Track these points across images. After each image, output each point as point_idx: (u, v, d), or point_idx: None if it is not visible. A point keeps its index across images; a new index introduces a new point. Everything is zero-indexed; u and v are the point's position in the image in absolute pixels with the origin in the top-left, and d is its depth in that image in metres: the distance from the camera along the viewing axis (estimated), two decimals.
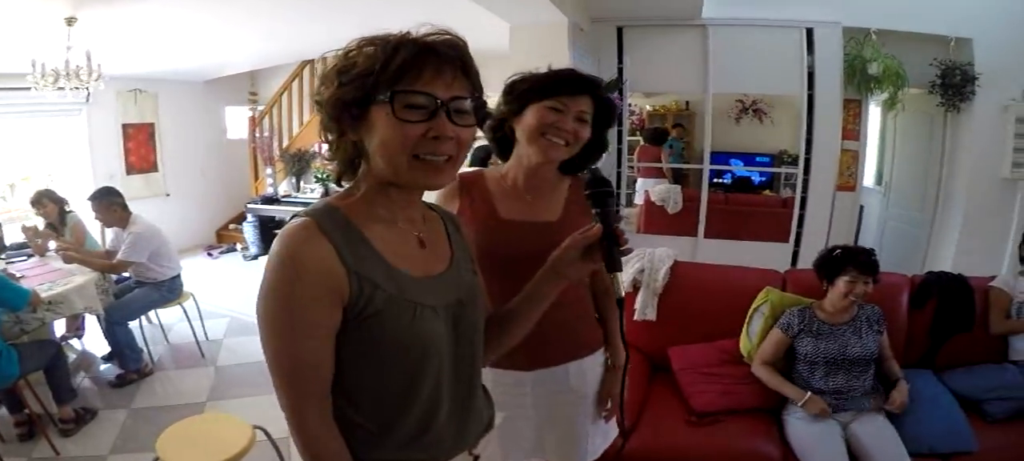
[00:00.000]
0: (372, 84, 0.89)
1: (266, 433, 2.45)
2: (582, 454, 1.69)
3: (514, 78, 1.51)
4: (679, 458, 2.39)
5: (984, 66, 4.47)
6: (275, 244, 0.92)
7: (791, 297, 2.69)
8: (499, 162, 1.65)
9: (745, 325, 2.73)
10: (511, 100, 1.49)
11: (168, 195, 6.72)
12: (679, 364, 2.72)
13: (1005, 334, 2.76)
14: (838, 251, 2.53)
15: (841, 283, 2.43)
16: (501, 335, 1.20)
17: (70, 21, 3.95)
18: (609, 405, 1.69)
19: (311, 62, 7.10)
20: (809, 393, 2.37)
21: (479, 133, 1.10)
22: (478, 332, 1.11)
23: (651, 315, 2.89)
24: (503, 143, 1.56)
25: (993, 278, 2.89)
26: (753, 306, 2.73)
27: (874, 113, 5.79)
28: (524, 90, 1.46)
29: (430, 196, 1.18)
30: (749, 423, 2.48)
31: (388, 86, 0.88)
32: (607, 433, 1.77)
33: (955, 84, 4.55)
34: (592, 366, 1.65)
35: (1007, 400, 2.51)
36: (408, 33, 0.91)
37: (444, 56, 0.91)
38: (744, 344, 2.70)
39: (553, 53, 3.64)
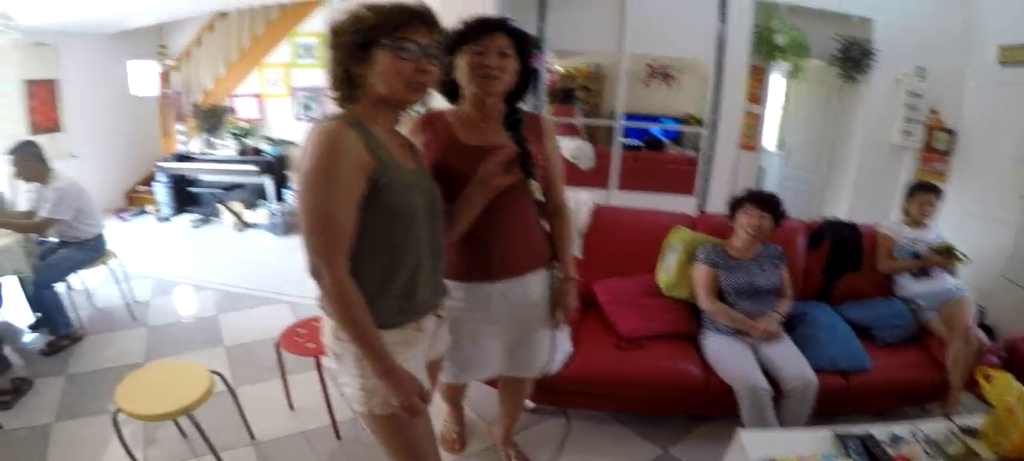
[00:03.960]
0: (377, 32, 1.30)
1: (223, 379, 2.50)
2: (542, 363, 1.94)
3: None
4: (612, 378, 2.65)
5: (882, 43, 4.88)
6: (314, 137, 1.30)
7: (701, 236, 3.03)
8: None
9: (660, 260, 3.05)
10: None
11: (73, 156, 6.24)
12: (604, 297, 2.98)
13: (890, 272, 3.20)
14: (743, 191, 2.90)
15: (742, 216, 2.80)
16: (445, 229, 1.60)
17: None
18: (561, 315, 1.92)
19: (225, 14, 6.80)
20: (759, 321, 2.69)
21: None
22: (441, 216, 1.54)
23: (577, 252, 3.10)
24: (451, 92, 1.80)
25: (879, 224, 3.33)
26: (666, 243, 3.06)
27: (777, 80, 6.17)
28: (449, 44, 1.67)
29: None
30: (671, 346, 2.79)
31: (388, 34, 1.30)
32: (563, 347, 2.07)
33: (854, 58, 4.93)
34: (547, 278, 1.89)
35: (894, 327, 2.96)
36: (400, 1, 1.33)
37: (423, 17, 1.34)
38: (661, 277, 3.02)
39: (479, 7, 3.77)
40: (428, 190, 1.48)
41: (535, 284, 1.82)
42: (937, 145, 4.97)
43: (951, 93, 4.89)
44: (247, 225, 6.54)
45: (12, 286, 3.69)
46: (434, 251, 1.51)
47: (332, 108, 1.44)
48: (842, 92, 5.43)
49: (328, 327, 1.47)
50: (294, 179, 1.35)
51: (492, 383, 2.32)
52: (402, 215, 1.39)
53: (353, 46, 1.33)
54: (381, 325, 1.39)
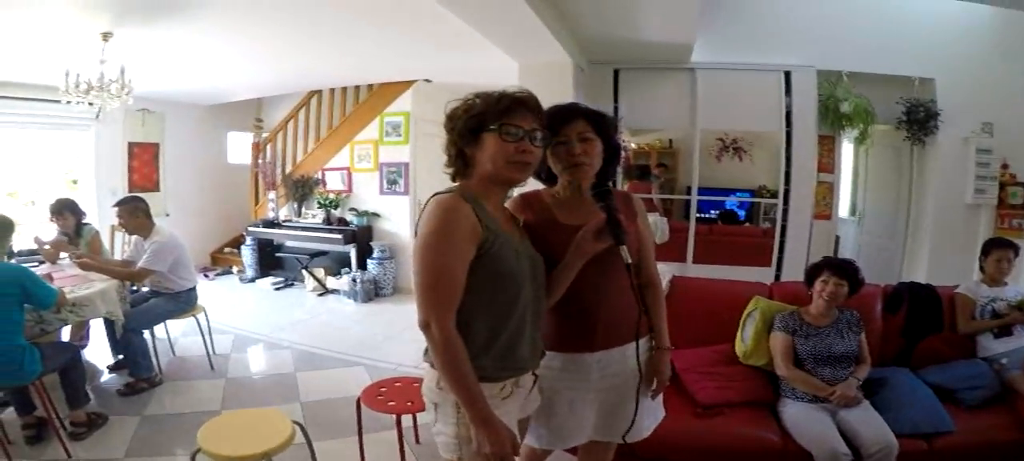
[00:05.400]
0: (485, 118, 1.51)
1: (303, 430, 2.47)
2: (636, 431, 1.93)
3: None
4: (691, 446, 2.62)
5: (945, 103, 4.83)
6: (433, 206, 1.48)
7: (777, 304, 3.00)
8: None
9: (739, 330, 3.03)
10: None
11: (168, 215, 6.75)
12: (682, 365, 2.93)
13: (971, 334, 3.09)
14: (820, 259, 2.90)
15: (818, 283, 2.80)
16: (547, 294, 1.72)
17: (106, 36, 3.97)
18: (655, 385, 1.93)
19: (318, 92, 7.27)
20: (837, 387, 2.64)
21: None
22: (544, 284, 1.67)
23: None
24: (550, 177, 1.89)
25: (957, 286, 3.23)
26: (745, 313, 3.04)
27: (846, 148, 6.09)
28: None
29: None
30: (749, 414, 2.75)
31: (496, 120, 1.50)
32: (656, 413, 2.03)
33: (919, 120, 4.89)
34: (644, 348, 1.90)
35: (978, 389, 2.83)
36: (505, 91, 1.53)
37: (527, 105, 1.54)
38: (739, 346, 2.99)
39: (558, 91, 3.93)
40: (533, 257, 1.63)
41: (632, 354, 1.84)
42: (1012, 200, 4.86)
43: (1020, 146, 4.79)
44: (328, 291, 6.77)
45: (97, 327, 3.91)
46: (536, 313, 1.64)
47: (439, 183, 1.60)
48: (912, 155, 5.35)
49: (430, 378, 1.57)
50: (413, 244, 1.52)
51: (571, 449, 2.29)
52: (511, 278, 1.53)
53: (465, 130, 1.53)
54: (484, 378, 1.48)
